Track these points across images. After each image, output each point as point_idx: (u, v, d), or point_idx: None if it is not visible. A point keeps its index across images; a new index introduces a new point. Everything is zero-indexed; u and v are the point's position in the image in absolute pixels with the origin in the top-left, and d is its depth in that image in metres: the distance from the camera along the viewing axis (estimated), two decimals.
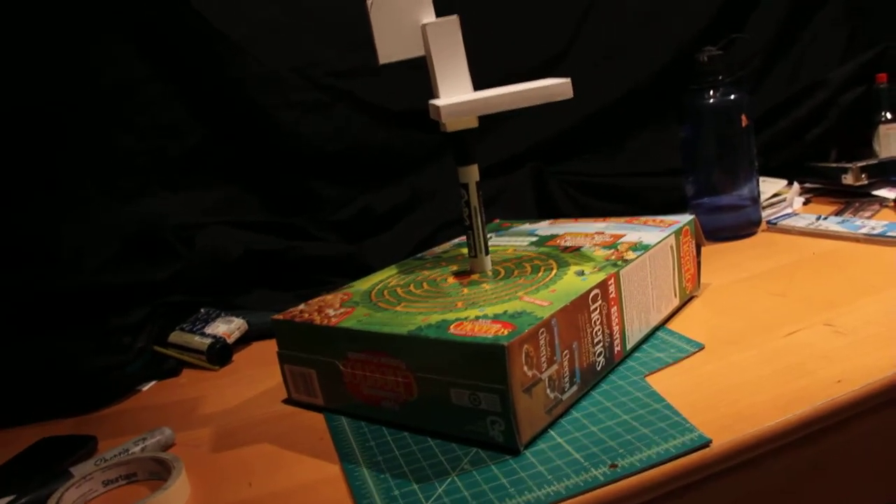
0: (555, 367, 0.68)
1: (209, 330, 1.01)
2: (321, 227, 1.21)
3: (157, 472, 0.71)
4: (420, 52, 0.85)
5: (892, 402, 0.70)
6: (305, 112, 1.19)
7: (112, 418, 0.90)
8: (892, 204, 1.24)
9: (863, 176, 1.31)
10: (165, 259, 1.10)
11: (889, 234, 1.06)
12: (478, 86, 0.83)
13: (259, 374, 0.94)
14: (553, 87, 0.76)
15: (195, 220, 1.14)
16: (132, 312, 1.03)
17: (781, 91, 1.47)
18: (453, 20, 0.82)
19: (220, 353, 0.99)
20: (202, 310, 1.07)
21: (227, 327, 1.02)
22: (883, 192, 1.30)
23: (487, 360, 0.64)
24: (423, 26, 0.82)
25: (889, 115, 1.41)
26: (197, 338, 1.00)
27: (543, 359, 0.67)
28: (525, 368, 0.65)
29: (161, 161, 1.14)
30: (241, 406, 0.87)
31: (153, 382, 0.99)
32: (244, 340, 1.05)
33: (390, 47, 0.85)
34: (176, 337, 1.02)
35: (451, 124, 0.80)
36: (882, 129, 1.41)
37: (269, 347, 0.85)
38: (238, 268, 1.13)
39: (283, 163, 1.20)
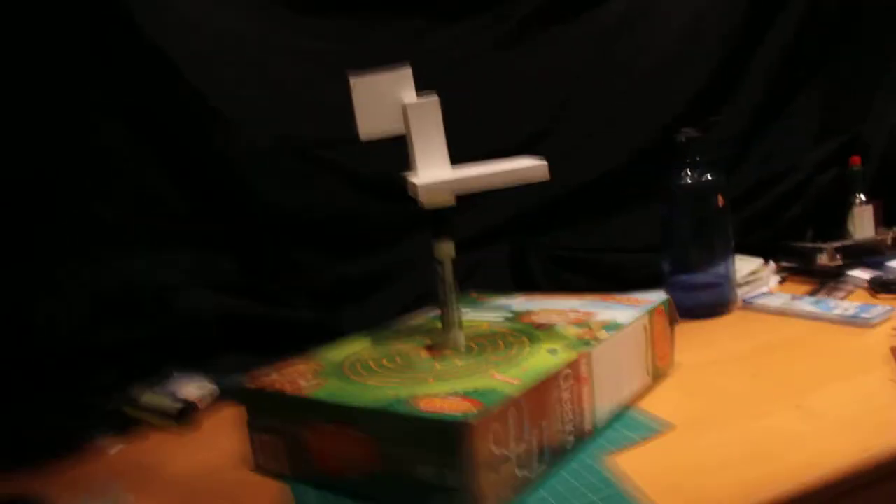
0: (522, 445, 0.68)
1: (180, 393, 1.01)
2: (298, 293, 1.21)
3: None
4: (401, 130, 0.86)
5: (860, 487, 0.70)
6: (287, 180, 1.20)
7: (74, 479, 0.88)
8: (865, 285, 1.25)
9: (837, 256, 1.32)
10: (141, 320, 1.09)
11: (862, 316, 1.07)
12: (460, 158, 0.84)
13: (227, 438, 0.92)
14: (529, 169, 0.77)
15: (173, 282, 1.13)
16: (104, 374, 1.02)
17: (758, 172, 1.49)
18: (433, 102, 0.84)
19: (189, 416, 0.99)
20: (174, 372, 1.07)
21: (198, 390, 1.01)
22: (857, 273, 1.31)
23: (454, 438, 0.64)
24: (404, 106, 0.84)
25: (863, 197, 1.43)
26: (167, 400, 1.00)
27: (511, 437, 0.67)
28: (492, 446, 0.65)
29: (141, 223, 1.14)
30: (206, 471, 0.86)
31: (119, 444, 0.97)
32: (215, 403, 1.04)
33: (371, 125, 0.87)
34: (146, 399, 1.02)
35: (429, 202, 0.81)
36: (856, 210, 1.43)
37: (239, 411, 0.84)
38: (213, 331, 1.12)
39: (263, 229, 1.21)
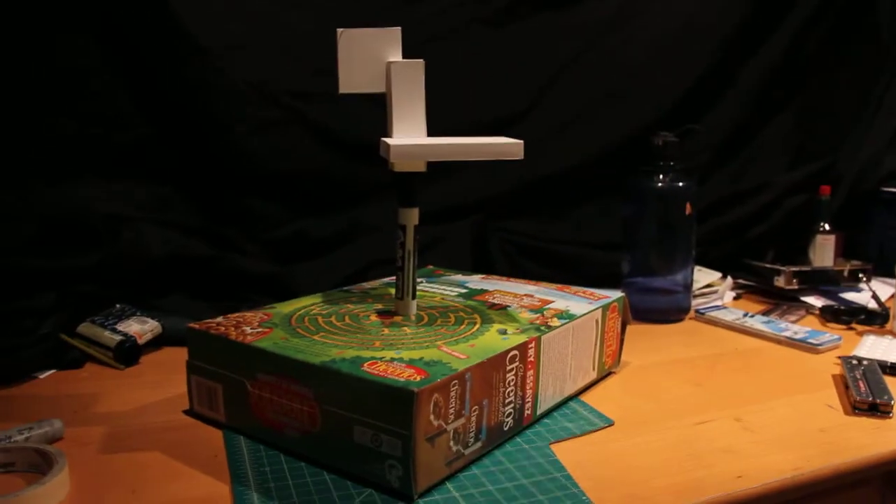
0: (462, 420, 0.68)
1: (121, 327, 0.99)
2: (252, 242, 1.19)
3: (38, 464, 0.68)
4: (381, 89, 0.85)
5: None
6: (258, 127, 1.18)
7: (1, 402, 0.86)
8: (817, 312, 1.26)
9: (794, 281, 1.34)
10: (87, 247, 1.07)
11: (809, 340, 1.08)
12: (433, 131, 0.83)
13: (164, 379, 0.92)
14: (505, 145, 0.76)
15: (125, 214, 1.11)
16: (41, 296, 1.00)
17: (728, 187, 1.50)
18: (418, 64, 0.82)
19: (128, 353, 0.97)
20: (117, 305, 1.05)
21: (140, 327, 1.00)
22: (811, 299, 1.33)
23: (395, 403, 0.63)
24: (388, 64, 0.83)
25: (827, 227, 1.45)
26: (107, 333, 0.98)
27: (451, 411, 0.66)
28: (431, 417, 0.64)
29: (100, 149, 1.11)
30: (139, 409, 0.84)
31: (52, 371, 0.96)
32: (155, 343, 1.02)
33: (353, 79, 0.85)
34: (85, 329, 1.00)
35: (399, 165, 0.80)
36: (819, 238, 1.45)
37: (180, 354, 0.83)
38: (161, 269, 1.10)
39: (225, 172, 1.18)
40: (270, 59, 1.18)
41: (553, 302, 0.91)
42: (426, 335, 0.77)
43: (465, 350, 0.72)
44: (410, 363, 0.68)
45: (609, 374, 0.97)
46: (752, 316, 1.21)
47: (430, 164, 0.82)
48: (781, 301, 1.34)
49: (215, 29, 1.14)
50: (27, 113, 1.07)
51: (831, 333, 1.11)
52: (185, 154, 1.17)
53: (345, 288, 1.00)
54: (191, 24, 1.11)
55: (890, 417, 0.83)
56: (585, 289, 0.99)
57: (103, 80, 1.11)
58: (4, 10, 1.03)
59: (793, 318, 1.23)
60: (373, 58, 0.84)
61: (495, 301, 0.92)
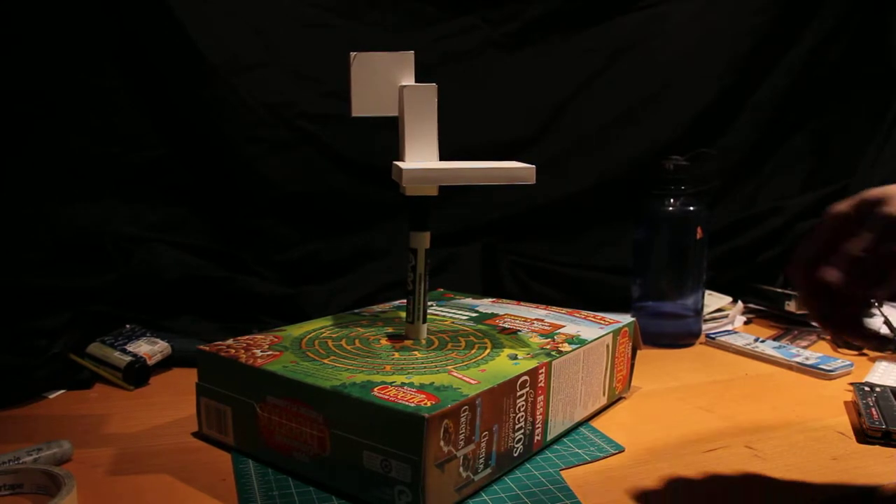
0: (472, 446, 0.67)
1: (131, 347, 0.99)
2: (264, 264, 1.19)
3: (46, 486, 0.68)
4: (393, 112, 0.85)
5: None
6: (270, 148, 1.19)
7: (10, 422, 0.86)
8: (828, 337, 1.26)
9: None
10: (99, 268, 1.07)
11: (821, 366, 1.07)
12: (445, 154, 0.83)
13: (173, 401, 0.91)
14: (517, 170, 0.76)
15: (138, 234, 1.12)
16: (53, 316, 1.00)
17: (739, 211, 1.50)
18: (431, 88, 0.82)
19: (138, 374, 0.97)
20: (127, 326, 1.05)
21: (150, 348, 1.00)
22: None
23: (405, 429, 0.63)
24: (401, 88, 0.83)
25: None
26: (116, 353, 0.98)
27: (462, 436, 0.66)
28: (441, 443, 0.64)
29: (116, 169, 1.12)
30: (148, 431, 0.84)
31: (61, 391, 0.95)
32: (165, 364, 1.02)
33: (365, 102, 0.86)
34: (95, 349, 1.00)
35: (412, 189, 0.80)
36: None
37: (190, 376, 0.82)
38: (173, 290, 1.11)
39: (238, 193, 1.19)
40: (285, 81, 1.19)
41: (564, 327, 0.91)
42: (437, 360, 0.77)
43: (475, 375, 0.72)
44: (421, 388, 0.68)
45: (619, 399, 0.96)
46: (762, 341, 1.20)
47: (441, 188, 0.82)
48: (792, 326, 1.33)
49: (230, 50, 1.15)
50: (44, 132, 1.07)
51: (843, 359, 1.11)
52: (199, 175, 1.18)
53: (355, 311, 1.00)
54: (206, 45, 1.12)
55: None
56: (596, 313, 0.98)
57: (120, 100, 1.12)
58: (24, 30, 1.04)
59: (804, 343, 1.23)
60: (386, 81, 0.85)
61: (506, 325, 0.91)
